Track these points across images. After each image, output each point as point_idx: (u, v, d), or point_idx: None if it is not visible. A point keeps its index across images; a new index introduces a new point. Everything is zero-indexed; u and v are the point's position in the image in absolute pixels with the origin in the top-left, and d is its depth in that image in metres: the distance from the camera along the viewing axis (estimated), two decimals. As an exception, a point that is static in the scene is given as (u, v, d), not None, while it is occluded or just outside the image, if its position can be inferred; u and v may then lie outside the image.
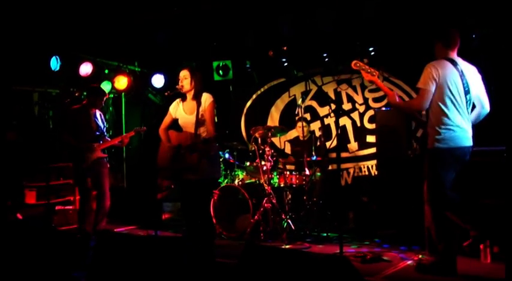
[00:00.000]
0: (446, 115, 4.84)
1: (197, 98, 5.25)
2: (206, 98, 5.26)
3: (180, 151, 5.12)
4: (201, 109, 5.19)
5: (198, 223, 5.23)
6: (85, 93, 8.04)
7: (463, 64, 4.98)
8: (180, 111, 5.37)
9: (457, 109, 4.85)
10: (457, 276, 4.84)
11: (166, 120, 5.49)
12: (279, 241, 6.75)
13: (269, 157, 7.18)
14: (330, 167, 8.23)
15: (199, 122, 5.17)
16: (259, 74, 9.18)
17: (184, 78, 5.29)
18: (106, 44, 8.73)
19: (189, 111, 5.30)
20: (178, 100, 5.43)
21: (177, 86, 5.29)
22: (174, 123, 5.51)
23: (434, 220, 4.92)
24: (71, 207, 8.59)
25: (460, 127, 4.86)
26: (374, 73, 5.10)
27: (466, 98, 4.90)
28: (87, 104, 7.02)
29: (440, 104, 4.84)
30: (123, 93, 9.60)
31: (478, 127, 5.07)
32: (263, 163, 7.21)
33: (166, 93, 5.38)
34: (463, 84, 4.88)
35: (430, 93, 4.82)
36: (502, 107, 5.43)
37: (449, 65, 4.88)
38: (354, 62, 5.16)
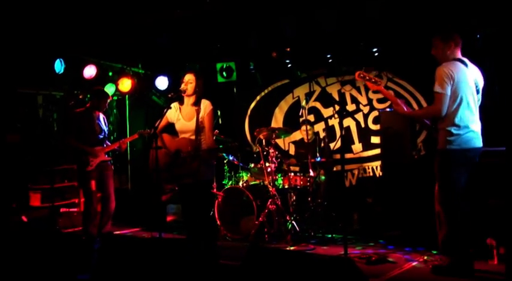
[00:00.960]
0: (459, 116, 4.78)
1: (197, 104, 5.21)
2: (206, 105, 5.20)
3: (180, 156, 5.08)
4: (200, 116, 5.15)
5: (199, 225, 5.20)
6: (88, 96, 8.06)
7: (470, 64, 4.95)
8: (179, 116, 5.31)
9: (469, 110, 4.81)
10: (474, 277, 4.79)
11: (162, 124, 5.40)
12: (283, 243, 6.74)
13: (273, 159, 7.17)
14: (334, 169, 8.22)
15: (199, 128, 5.12)
16: (263, 76, 9.17)
17: (189, 82, 5.22)
18: (110, 46, 8.74)
19: (188, 118, 5.23)
20: (176, 105, 5.37)
21: (180, 88, 5.24)
22: (168, 127, 5.46)
23: (447, 222, 4.84)
24: (75, 209, 8.61)
25: (472, 128, 4.82)
26: (379, 82, 5.04)
27: (476, 98, 4.88)
28: (91, 107, 7.02)
29: (454, 105, 4.78)
30: (127, 96, 9.62)
31: (482, 127, 5.05)
32: (267, 164, 7.21)
33: (169, 95, 5.33)
34: (475, 84, 4.85)
35: (447, 97, 4.73)
36: (507, 106, 5.40)
37: (461, 66, 4.83)
38: (358, 72, 5.05)
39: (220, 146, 6.38)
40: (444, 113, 4.77)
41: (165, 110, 5.28)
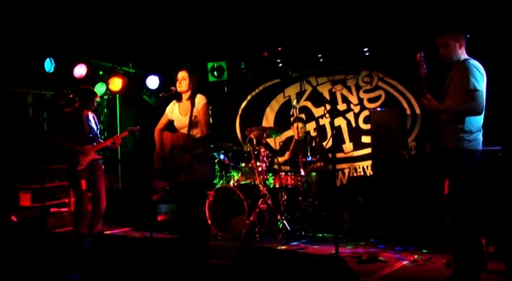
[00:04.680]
0: (479, 117, 4.65)
1: (192, 99, 5.24)
2: (200, 100, 5.24)
3: (173, 152, 5.13)
4: (194, 110, 5.17)
5: (192, 224, 5.22)
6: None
7: None
8: (176, 112, 5.36)
9: (484, 111, 4.66)
10: None
11: (163, 121, 5.49)
12: (274, 242, 6.75)
13: (264, 158, 7.18)
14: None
15: (192, 123, 5.16)
16: (254, 75, 9.18)
17: (183, 79, 5.27)
18: (100, 45, 8.70)
19: (184, 113, 5.29)
20: (174, 101, 5.43)
21: (172, 87, 5.27)
22: (170, 125, 5.50)
23: (453, 226, 4.65)
24: (66, 209, 8.57)
25: (481, 130, 4.71)
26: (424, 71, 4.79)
27: None
28: (79, 107, 6.99)
29: None
30: (117, 95, 9.59)
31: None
32: (258, 163, 7.21)
33: (160, 95, 5.37)
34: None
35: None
36: (496, 108, 5.43)
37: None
38: (419, 54, 4.75)
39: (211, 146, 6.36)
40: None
41: (167, 107, 5.41)
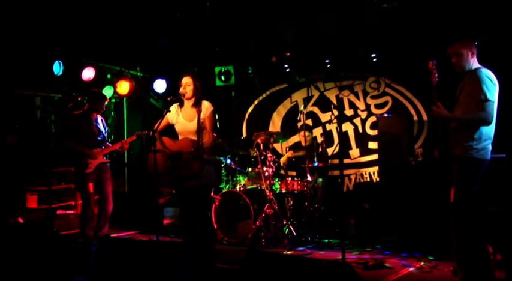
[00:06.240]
0: (489, 127, 4.65)
1: (197, 105, 5.21)
2: (207, 107, 5.21)
3: (182, 157, 5.08)
4: (202, 116, 5.15)
5: (198, 228, 5.20)
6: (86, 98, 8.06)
7: None
8: (179, 117, 5.31)
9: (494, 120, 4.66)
10: None
11: (162, 125, 5.37)
12: (280, 247, 6.73)
13: (271, 163, 7.17)
14: (329, 173, 8.20)
15: (200, 129, 5.12)
16: (261, 80, 9.19)
17: (188, 85, 5.22)
18: (108, 49, 8.74)
19: (189, 119, 5.24)
20: (176, 106, 5.36)
21: (180, 92, 5.24)
22: (167, 129, 5.45)
23: (459, 234, 4.66)
24: (72, 211, 8.59)
25: (491, 139, 4.70)
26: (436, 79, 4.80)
27: None
28: (88, 109, 7.00)
29: None
30: (125, 98, 9.61)
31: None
32: (265, 168, 7.21)
33: (168, 99, 5.31)
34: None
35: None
36: (505, 115, 5.41)
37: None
38: (432, 62, 4.79)
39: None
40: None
41: (165, 112, 5.28)
